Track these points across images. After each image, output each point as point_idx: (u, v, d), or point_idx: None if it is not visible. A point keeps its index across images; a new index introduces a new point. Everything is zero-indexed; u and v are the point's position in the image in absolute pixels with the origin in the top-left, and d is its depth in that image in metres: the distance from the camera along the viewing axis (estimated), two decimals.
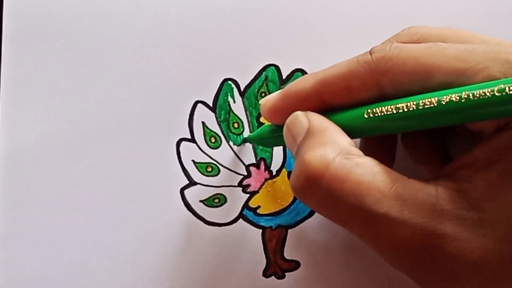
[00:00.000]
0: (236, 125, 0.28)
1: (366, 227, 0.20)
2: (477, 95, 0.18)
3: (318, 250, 0.28)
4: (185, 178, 0.28)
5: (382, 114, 0.21)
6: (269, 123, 0.25)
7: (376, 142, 0.26)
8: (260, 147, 0.28)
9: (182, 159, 0.28)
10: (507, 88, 0.18)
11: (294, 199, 0.28)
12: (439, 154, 0.25)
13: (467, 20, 0.28)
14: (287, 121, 0.23)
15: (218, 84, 0.28)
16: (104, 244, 0.28)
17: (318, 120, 0.22)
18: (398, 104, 0.20)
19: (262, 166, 0.28)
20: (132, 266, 0.28)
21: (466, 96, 0.19)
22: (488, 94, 0.18)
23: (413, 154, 0.26)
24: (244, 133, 0.28)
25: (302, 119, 0.22)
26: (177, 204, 0.28)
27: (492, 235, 0.19)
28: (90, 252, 0.28)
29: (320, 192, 0.20)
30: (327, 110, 0.23)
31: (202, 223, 0.28)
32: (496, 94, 0.18)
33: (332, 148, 0.21)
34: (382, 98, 0.21)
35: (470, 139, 0.24)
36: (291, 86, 0.23)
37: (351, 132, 0.22)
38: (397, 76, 0.21)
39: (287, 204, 0.28)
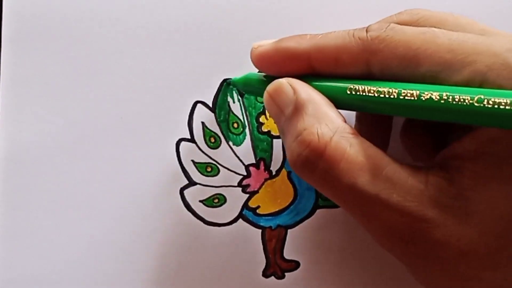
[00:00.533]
0: (235, 125, 0.28)
1: (359, 207, 0.21)
2: (456, 100, 0.19)
3: (318, 250, 0.28)
4: (185, 178, 0.28)
5: (364, 94, 0.21)
6: (257, 73, 0.25)
7: (371, 124, 0.26)
8: (260, 147, 0.28)
9: (182, 159, 0.28)
10: (485, 101, 0.18)
11: (294, 199, 0.28)
12: (435, 143, 0.25)
13: None
14: (269, 88, 0.23)
15: (218, 84, 0.28)
16: (104, 244, 0.28)
17: (306, 92, 0.22)
18: (380, 87, 0.21)
19: (262, 166, 0.28)
20: (131, 266, 0.28)
21: (446, 97, 0.19)
22: (467, 102, 0.19)
23: (407, 143, 0.26)
24: (245, 130, 0.28)
25: (287, 88, 0.23)
26: (177, 204, 0.28)
27: (477, 225, 0.19)
28: (90, 252, 0.28)
29: (318, 171, 0.21)
30: (312, 75, 0.23)
31: (201, 223, 0.28)
32: (475, 104, 0.18)
33: (329, 126, 0.21)
34: (368, 76, 0.22)
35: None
36: (286, 40, 0.23)
37: (334, 104, 0.22)
38: (387, 59, 0.21)
39: (287, 204, 0.28)
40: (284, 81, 0.23)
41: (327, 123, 0.21)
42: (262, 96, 0.25)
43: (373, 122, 0.26)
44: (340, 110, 0.22)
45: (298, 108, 0.22)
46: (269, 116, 0.28)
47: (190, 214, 0.28)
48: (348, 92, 0.22)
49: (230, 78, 0.28)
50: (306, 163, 0.21)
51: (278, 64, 0.23)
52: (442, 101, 0.19)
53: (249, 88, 0.26)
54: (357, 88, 0.21)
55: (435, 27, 0.21)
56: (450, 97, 0.19)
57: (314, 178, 0.21)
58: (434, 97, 0.19)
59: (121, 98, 0.28)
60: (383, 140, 0.26)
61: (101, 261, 0.28)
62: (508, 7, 0.28)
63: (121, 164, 0.28)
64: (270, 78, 0.24)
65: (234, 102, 0.28)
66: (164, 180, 0.28)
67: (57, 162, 0.28)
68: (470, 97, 0.18)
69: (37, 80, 0.28)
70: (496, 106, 0.18)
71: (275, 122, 0.24)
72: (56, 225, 0.28)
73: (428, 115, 0.20)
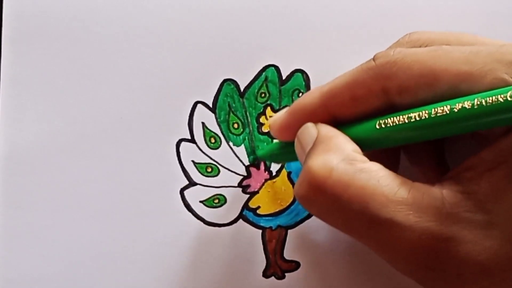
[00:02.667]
0: (236, 125, 0.28)
1: (372, 233, 0.20)
2: (490, 102, 0.18)
3: (318, 250, 0.28)
4: (185, 178, 0.28)
5: (394, 124, 0.21)
6: (277, 141, 0.25)
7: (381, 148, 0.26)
8: (260, 147, 0.28)
9: (182, 159, 0.28)
10: None
11: (294, 200, 0.28)
12: (436, 157, 0.25)
13: (467, 21, 0.28)
14: (298, 132, 0.23)
15: (218, 85, 0.28)
16: (104, 245, 0.28)
17: (326, 129, 0.22)
18: (410, 114, 0.20)
19: (262, 167, 0.28)
20: (132, 267, 0.28)
21: (478, 102, 0.19)
22: (501, 99, 0.18)
23: (409, 156, 0.26)
24: (245, 131, 0.28)
25: (311, 129, 0.22)
26: (177, 204, 0.28)
27: (498, 236, 0.19)
28: (90, 252, 0.28)
29: (323, 199, 0.20)
30: (337, 124, 0.22)
31: (202, 223, 0.28)
32: (509, 99, 0.18)
33: (336, 155, 0.20)
34: (389, 105, 0.21)
35: (476, 141, 0.24)
36: (298, 102, 0.23)
37: (363, 145, 0.21)
38: (403, 81, 0.20)
39: (287, 204, 0.28)
40: (310, 124, 0.22)
41: (336, 152, 0.21)
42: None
43: None
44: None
45: (315, 144, 0.21)
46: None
47: (190, 214, 0.28)
48: (378, 127, 0.21)
49: (231, 79, 0.28)
50: (308, 192, 0.20)
51: (298, 127, 0.23)
52: (476, 107, 0.19)
53: (276, 157, 0.26)
54: (386, 121, 0.21)
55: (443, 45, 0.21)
56: (483, 101, 0.18)
57: (319, 207, 0.21)
58: (466, 106, 0.19)
59: (121, 98, 0.28)
60: (394, 160, 0.26)
61: (101, 261, 0.28)
62: (508, 8, 0.28)
63: (121, 164, 0.28)
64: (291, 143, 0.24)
65: (234, 102, 0.28)
66: (164, 180, 0.28)
67: (57, 162, 0.28)
68: (503, 95, 0.18)
69: (37, 80, 0.28)
70: None
71: (301, 164, 0.23)
72: (56, 225, 0.28)
73: (464, 127, 0.19)
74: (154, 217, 0.28)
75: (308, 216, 0.28)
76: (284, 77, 0.28)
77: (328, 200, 0.20)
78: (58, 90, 0.28)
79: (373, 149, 0.22)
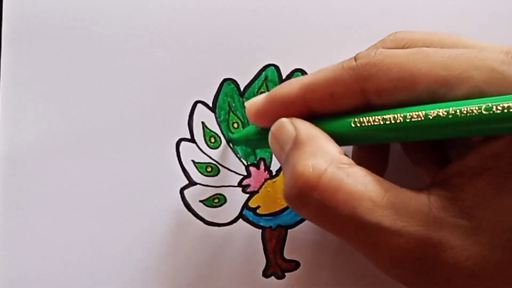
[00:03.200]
0: (236, 125, 0.28)
1: (360, 237, 0.20)
2: (464, 112, 0.19)
3: (318, 250, 0.28)
4: (185, 178, 0.28)
5: (369, 124, 0.21)
6: (251, 126, 0.25)
7: (368, 149, 0.26)
8: (235, 131, 0.28)
9: (182, 159, 0.28)
10: (494, 107, 0.18)
11: None
12: (438, 155, 0.25)
13: (467, 21, 0.28)
14: (273, 128, 0.23)
15: (218, 84, 0.28)
16: (104, 244, 0.28)
17: (306, 127, 0.22)
18: (385, 115, 0.20)
19: (262, 166, 0.28)
20: (131, 266, 0.28)
21: (453, 112, 0.19)
22: (475, 111, 0.18)
23: (411, 155, 0.26)
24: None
25: (288, 126, 0.22)
26: (177, 204, 0.28)
27: (485, 242, 0.19)
28: (90, 252, 0.28)
29: (313, 203, 0.20)
30: (313, 117, 0.22)
31: (201, 223, 0.28)
32: (483, 112, 0.18)
33: (323, 158, 0.20)
34: (367, 105, 0.21)
35: (467, 142, 0.24)
36: (277, 90, 0.23)
37: (338, 140, 0.22)
38: (382, 83, 0.20)
39: (287, 204, 0.28)
40: (285, 120, 0.22)
41: (322, 155, 0.21)
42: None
43: (370, 146, 0.26)
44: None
45: (296, 144, 0.21)
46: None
47: (190, 214, 0.28)
48: (353, 125, 0.21)
49: (231, 78, 0.28)
50: (299, 196, 0.20)
51: (276, 115, 0.23)
52: (450, 116, 0.19)
53: (251, 142, 0.26)
54: (361, 119, 0.21)
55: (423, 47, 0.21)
56: (458, 110, 0.19)
57: (309, 211, 0.21)
58: (441, 114, 0.19)
59: (121, 98, 0.28)
60: (382, 163, 0.26)
61: (101, 261, 0.28)
62: (508, 8, 0.28)
63: (121, 164, 0.28)
64: (268, 130, 0.24)
65: (234, 102, 0.28)
66: (164, 180, 0.28)
67: (57, 162, 0.28)
68: (478, 106, 0.18)
69: (37, 80, 0.28)
70: (506, 111, 0.18)
71: (278, 160, 0.23)
72: (56, 225, 0.28)
73: (438, 133, 0.19)
74: (154, 217, 0.28)
75: None
76: (284, 77, 0.28)
77: (318, 204, 0.20)
78: (58, 90, 0.28)
79: (349, 145, 0.22)
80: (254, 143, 0.26)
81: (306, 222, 0.28)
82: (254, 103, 0.24)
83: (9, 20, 0.28)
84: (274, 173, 0.28)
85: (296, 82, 0.23)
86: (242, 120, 0.28)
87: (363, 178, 0.20)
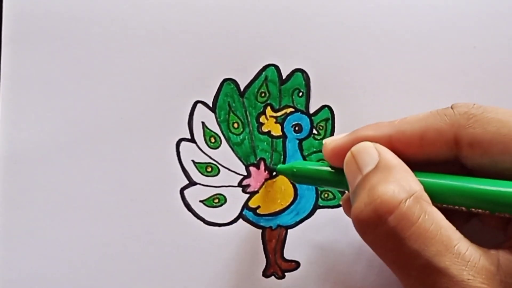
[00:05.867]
0: (236, 125, 0.28)
1: (423, 277, 0.20)
2: None
3: (318, 250, 0.28)
4: (185, 178, 0.28)
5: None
6: (324, 166, 0.24)
7: None
8: (260, 147, 0.28)
9: (182, 159, 0.28)
10: None
11: (294, 199, 0.28)
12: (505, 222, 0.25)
13: (467, 20, 0.28)
14: (353, 149, 0.22)
15: (218, 84, 0.28)
16: (104, 244, 0.28)
17: (390, 155, 0.21)
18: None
19: (262, 166, 0.28)
20: (131, 266, 0.28)
21: None
22: None
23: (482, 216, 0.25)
24: (245, 130, 0.28)
25: (371, 150, 0.22)
26: (177, 204, 0.28)
27: None
28: (89, 252, 0.28)
29: (384, 228, 0.20)
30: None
31: (202, 223, 0.28)
32: None
33: (406, 188, 0.20)
34: (456, 157, 0.21)
35: None
36: (362, 130, 0.23)
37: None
38: (478, 134, 0.20)
39: (287, 204, 0.28)
40: (370, 143, 0.22)
41: (404, 185, 0.20)
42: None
43: None
44: None
45: (379, 168, 0.21)
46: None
47: (190, 214, 0.28)
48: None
49: (231, 78, 0.28)
50: (373, 216, 0.20)
51: None
52: None
53: (322, 182, 0.25)
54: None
55: None
56: None
57: (377, 235, 0.20)
58: None
59: (121, 98, 0.28)
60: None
61: (101, 261, 0.28)
62: (508, 7, 0.28)
63: (121, 164, 0.28)
64: (338, 170, 0.23)
65: (234, 102, 0.28)
66: (164, 180, 0.28)
67: (57, 162, 0.28)
68: None
69: (37, 80, 0.28)
70: None
71: (348, 180, 0.22)
72: (56, 225, 0.28)
73: None
74: (154, 217, 0.28)
75: (308, 216, 0.28)
76: (284, 77, 0.28)
77: (388, 232, 0.20)
78: (58, 90, 0.28)
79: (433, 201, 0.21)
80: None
81: (306, 222, 0.28)
82: (334, 140, 0.23)
83: (9, 20, 0.28)
84: (274, 173, 0.28)
85: (385, 124, 0.22)
86: (242, 120, 0.28)
87: (440, 220, 0.20)
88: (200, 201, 0.28)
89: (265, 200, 0.28)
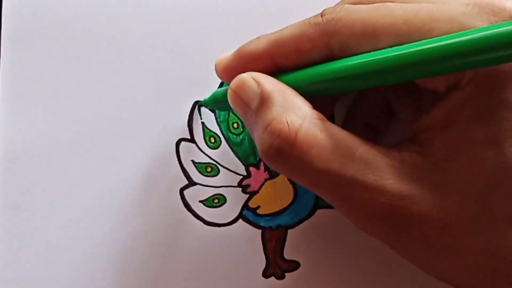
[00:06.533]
0: (235, 125, 0.28)
1: (335, 191, 0.21)
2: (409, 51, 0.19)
3: (318, 250, 0.28)
4: (185, 178, 0.28)
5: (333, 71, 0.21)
6: (223, 88, 0.25)
7: (361, 117, 0.27)
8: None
9: (182, 159, 0.28)
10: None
11: (294, 200, 0.28)
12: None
13: None
14: (232, 85, 0.23)
15: (218, 84, 0.28)
16: (104, 244, 0.28)
17: (271, 83, 0.22)
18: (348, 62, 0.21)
19: (262, 166, 0.28)
20: (131, 266, 0.28)
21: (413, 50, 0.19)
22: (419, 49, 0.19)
23: (398, 110, 0.26)
24: (245, 130, 0.28)
25: (251, 82, 0.22)
26: (177, 204, 0.28)
27: (456, 194, 0.19)
28: (89, 252, 0.28)
29: (291, 159, 0.21)
30: (278, 72, 0.23)
31: (201, 223, 0.28)
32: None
33: (297, 114, 0.21)
34: (331, 59, 0.22)
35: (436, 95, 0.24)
36: (245, 46, 0.24)
37: (303, 93, 0.22)
38: (346, 38, 0.21)
39: (287, 204, 0.28)
40: (246, 75, 0.23)
41: (295, 111, 0.21)
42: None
43: (362, 116, 0.27)
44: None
45: (264, 100, 0.22)
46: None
47: (190, 214, 0.28)
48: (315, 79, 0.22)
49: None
50: (279, 153, 0.21)
51: (243, 70, 0.23)
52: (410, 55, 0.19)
53: (221, 105, 0.26)
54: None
55: (388, 2, 0.21)
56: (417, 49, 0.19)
57: (288, 167, 0.21)
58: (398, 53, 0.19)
59: (121, 98, 0.28)
60: (372, 130, 0.27)
61: (101, 261, 0.28)
62: None
63: (121, 164, 0.28)
64: None
65: None
66: (164, 180, 0.28)
67: (57, 162, 0.28)
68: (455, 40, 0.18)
69: (37, 80, 0.28)
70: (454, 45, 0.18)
71: (242, 119, 0.24)
72: (56, 225, 0.28)
73: (398, 76, 0.20)
74: (154, 217, 0.28)
75: (308, 216, 0.28)
76: None
77: (295, 160, 0.21)
78: (57, 90, 0.28)
79: (314, 97, 0.22)
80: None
81: (306, 222, 0.28)
82: (222, 59, 0.24)
83: (9, 20, 0.28)
84: (274, 173, 0.28)
85: (264, 38, 0.23)
86: (242, 120, 0.28)
87: (336, 134, 0.21)
88: (200, 201, 0.28)
89: (265, 200, 0.28)
